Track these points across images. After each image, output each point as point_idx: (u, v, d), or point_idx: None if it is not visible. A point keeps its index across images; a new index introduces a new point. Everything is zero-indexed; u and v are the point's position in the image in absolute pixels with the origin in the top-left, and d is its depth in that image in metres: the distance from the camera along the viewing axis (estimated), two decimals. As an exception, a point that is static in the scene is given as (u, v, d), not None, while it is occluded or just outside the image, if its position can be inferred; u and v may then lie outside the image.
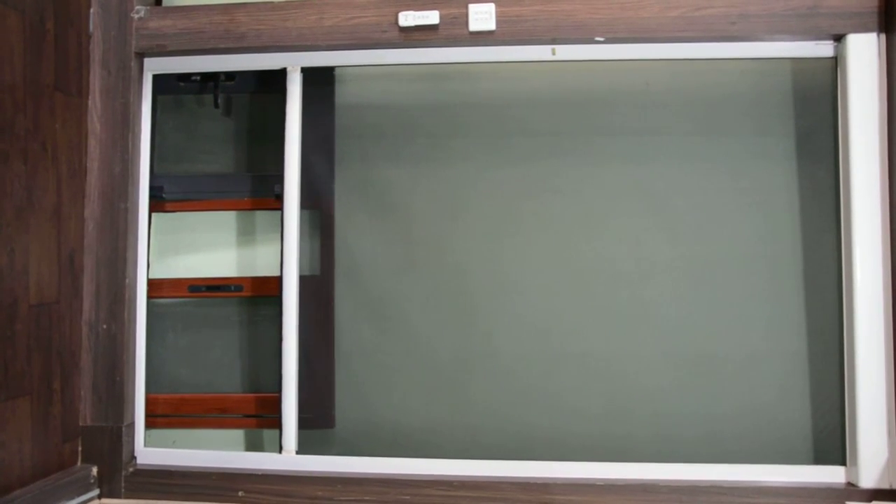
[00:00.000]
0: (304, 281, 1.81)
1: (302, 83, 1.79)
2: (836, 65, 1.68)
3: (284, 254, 1.77)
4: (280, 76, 1.80)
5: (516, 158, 1.77)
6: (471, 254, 1.77)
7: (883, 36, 1.61)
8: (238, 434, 1.85)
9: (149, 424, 1.81)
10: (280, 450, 1.75)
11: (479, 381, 1.76)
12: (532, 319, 1.75)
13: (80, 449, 1.72)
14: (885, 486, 1.57)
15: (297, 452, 1.75)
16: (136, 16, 1.76)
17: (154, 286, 1.84)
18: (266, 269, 1.85)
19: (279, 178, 1.78)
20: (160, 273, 1.87)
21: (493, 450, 1.72)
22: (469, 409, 1.75)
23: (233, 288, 1.85)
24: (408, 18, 1.69)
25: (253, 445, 1.83)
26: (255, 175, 1.86)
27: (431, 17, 1.68)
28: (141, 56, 1.79)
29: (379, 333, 1.79)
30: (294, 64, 1.78)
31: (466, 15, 1.68)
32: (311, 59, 1.78)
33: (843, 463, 1.63)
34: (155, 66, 1.82)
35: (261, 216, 1.87)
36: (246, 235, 1.88)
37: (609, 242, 1.74)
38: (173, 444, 1.84)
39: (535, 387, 1.74)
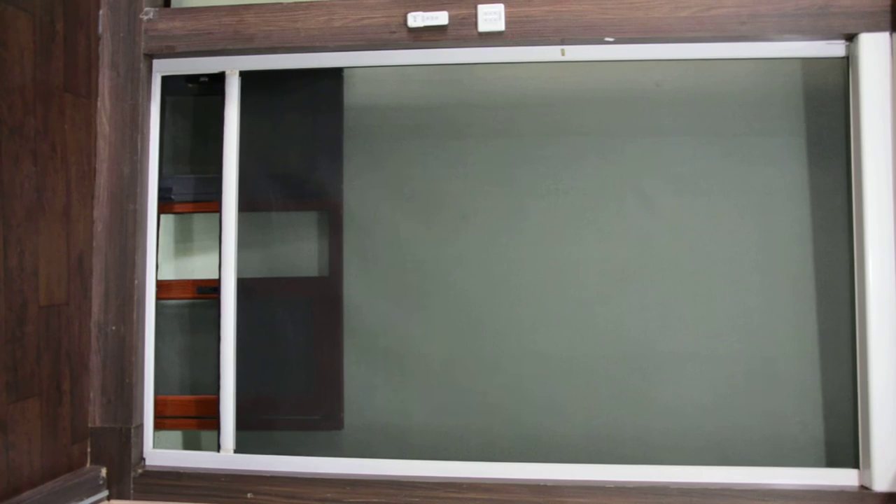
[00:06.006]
0: (312, 282, 1.81)
1: (239, 86, 1.81)
2: (847, 64, 1.67)
3: (222, 257, 1.79)
4: (288, 76, 1.80)
5: (524, 158, 1.76)
6: (481, 254, 1.76)
7: (895, 35, 1.60)
8: (247, 435, 1.85)
9: (157, 426, 1.81)
10: (218, 448, 1.77)
11: (490, 383, 1.75)
12: (547, 321, 1.74)
13: (89, 450, 1.72)
14: (899, 489, 1.56)
15: (236, 451, 1.77)
16: (145, 17, 1.76)
17: (163, 287, 1.84)
18: (274, 271, 1.84)
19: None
20: (168, 275, 1.87)
21: (503, 451, 1.72)
22: (480, 411, 1.75)
23: (241, 289, 1.85)
24: (417, 19, 1.68)
25: (264, 446, 1.82)
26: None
27: (440, 17, 1.68)
28: (150, 57, 1.80)
29: (388, 335, 1.78)
30: (306, 65, 1.79)
31: (475, 16, 1.68)
32: (319, 60, 1.78)
33: (856, 466, 1.62)
34: (164, 67, 1.82)
35: (265, 217, 1.86)
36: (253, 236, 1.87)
37: (621, 242, 1.73)
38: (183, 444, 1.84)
39: (557, 389, 1.73)
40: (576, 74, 1.77)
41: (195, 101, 1.90)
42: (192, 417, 1.84)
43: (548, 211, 1.75)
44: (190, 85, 1.87)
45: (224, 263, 1.79)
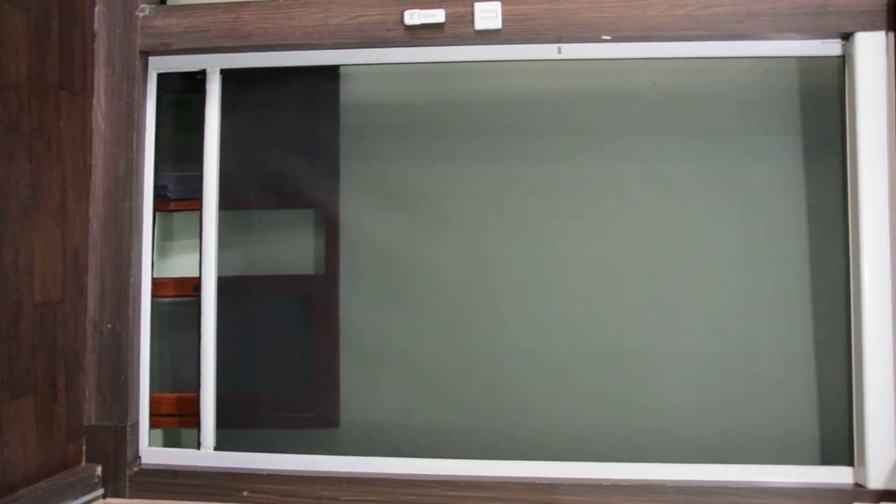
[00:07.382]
0: (309, 280, 1.81)
1: (220, 83, 1.81)
2: (843, 63, 1.67)
3: (203, 255, 1.79)
4: (283, 74, 1.80)
5: (521, 155, 1.76)
6: (475, 254, 1.76)
7: (892, 34, 1.60)
8: (246, 433, 1.84)
9: (153, 424, 1.81)
10: (198, 446, 1.78)
11: (489, 381, 1.75)
12: (547, 319, 1.74)
13: (84, 448, 1.72)
14: (894, 486, 1.56)
15: (216, 449, 1.78)
16: (140, 14, 1.76)
17: (158, 285, 1.84)
18: (269, 269, 1.84)
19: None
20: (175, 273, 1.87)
21: (499, 450, 1.72)
22: (476, 410, 1.75)
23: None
24: (413, 17, 1.68)
25: (259, 445, 1.81)
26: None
27: (437, 15, 1.67)
28: (146, 54, 1.79)
29: (384, 333, 1.78)
30: (299, 63, 1.79)
31: (472, 13, 1.68)
32: (315, 58, 1.78)
33: (850, 464, 1.63)
34: (160, 64, 1.81)
35: (260, 215, 1.86)
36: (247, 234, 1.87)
37: (616, 243, 1.73)
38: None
39: (566, 386, 1.74)
40: (572, 72, 1.77)
41: (192, 98, 1.89)
42: (188, 415, 1.84)
43: (546, 209, 1.75)
44: (185, 82, 1.87)
45: (205, 261, 1.79)
